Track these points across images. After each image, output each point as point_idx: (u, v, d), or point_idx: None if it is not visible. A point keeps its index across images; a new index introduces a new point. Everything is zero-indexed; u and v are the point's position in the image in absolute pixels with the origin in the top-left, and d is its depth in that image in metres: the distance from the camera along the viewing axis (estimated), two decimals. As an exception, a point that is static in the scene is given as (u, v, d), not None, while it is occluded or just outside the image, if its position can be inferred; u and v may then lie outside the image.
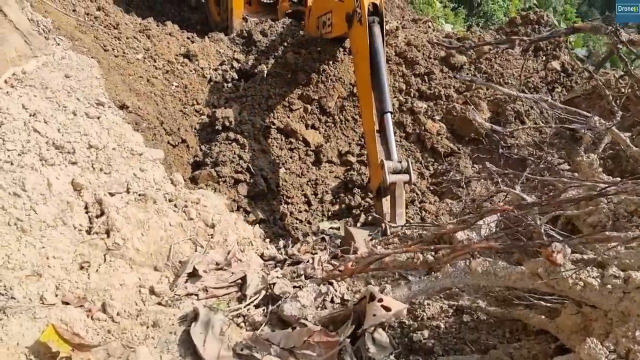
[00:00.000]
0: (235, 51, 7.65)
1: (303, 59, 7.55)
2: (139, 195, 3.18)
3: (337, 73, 7.62)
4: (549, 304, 2.57)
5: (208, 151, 6.64)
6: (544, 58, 8.11)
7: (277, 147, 7.16)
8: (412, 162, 5.02)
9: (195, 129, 6.83)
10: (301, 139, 7.34)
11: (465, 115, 7.41)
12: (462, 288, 2.94)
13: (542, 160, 5.96)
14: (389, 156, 5.14)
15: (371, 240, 4.13)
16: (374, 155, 5.32)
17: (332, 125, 7.60)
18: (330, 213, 6.97)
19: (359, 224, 6.31)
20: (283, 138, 7.26)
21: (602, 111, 7.02)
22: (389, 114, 5.33)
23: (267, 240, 3.79)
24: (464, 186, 6.86)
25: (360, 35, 5.63)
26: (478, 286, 2.85)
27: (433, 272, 2.57)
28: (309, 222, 6.89)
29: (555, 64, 7.85)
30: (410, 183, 5.01)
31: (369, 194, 6.75)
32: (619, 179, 2.67)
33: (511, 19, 8.75)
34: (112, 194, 3.06)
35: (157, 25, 7.95)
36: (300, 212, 6.93)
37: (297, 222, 6.84)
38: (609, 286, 2.07)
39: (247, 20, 8.48)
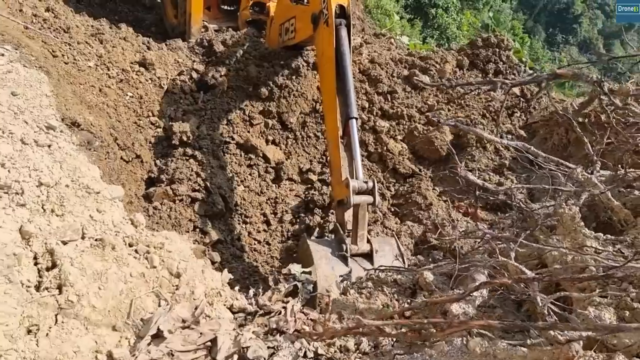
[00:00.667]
0: (194, 61, 7.30)
1: (265, 73, 7.30)
2: (96, 240, 2.87)
3: (300, 88, 7.42)
4: None
5: (164, 167, 6.30)
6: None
7: (236, 163, 6.89)
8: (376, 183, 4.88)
9: (150, 142, 6.46)
10: (261, 155, 7.09)
11: (427, 137, 7.38)
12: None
13: (505, 187, 6.01)
14: (354, 174, 4.97)
15: (342, 281, 3.97)
16: (337, 163, 5.12)
17: (294, 141, 7.40)
18: (289, 233, 6.78)
19: (315, 235, 6.14)
20: (242, 154, 7.00)
21: (560, 139, 7.17)
22: (354, 120, 5.12)
23: (237, 288, 3.54)
24: (425, 208, 6.84)
25: (326, 37, 5.45)
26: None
27: (426, 347, 2.43)
28: (268, 243, 6.68)
29: (515, 89, 7.94)
30: (374, 205, 4.86)
31: (330, 214, 6.61)
32: (620, 259, 2.62)
33: (472, 40, 8.81)
34: (65, 242, 2.73)
35: (111, 28, 7.50)
36: (259, 232, 6.71)
37: (256, 242, 6.62)
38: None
39: (207, 29, 8.14)
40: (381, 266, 3.99)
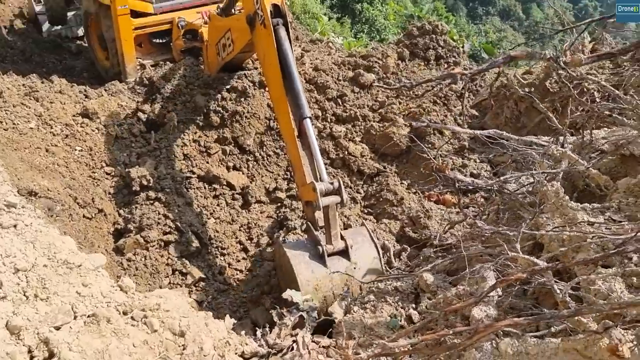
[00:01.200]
0: (138, 102, 7.08)
1: (213, 100, 7.17)
2: (89, 317, 2.70)
3: (250, 109, 7.32)
4: None
5: (129, 216, 6.07)
6: (445, 66, 8.37)
7: (201, 196, 6.73)
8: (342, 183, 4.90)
9: (110, 193, 6.23)
10: (225, 183, 6.94)
11: (384, 134, 7.43)
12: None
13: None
14: (318, 177, 4.95)
15: (342, 300, 3.91)
16: (298, 163, 5.10)
17: (255, 163, 7.30)
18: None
19: (290, 237, 6.01)
20: (206, 186, 6.84)
21: (512, 111, 7.37)
22: (308, 120, 5.10)
23: (243, 332, 3.42)
24: (397, 204, 6.87)
25: (265, 38, 5.38)
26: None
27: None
28: (250, 270, 6.54)
29: (458, 69, 8.09)
30: (343, 204, 4.86)
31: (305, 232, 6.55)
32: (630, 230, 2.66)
33: (408, 31, 8.93)
34: (58, 327, 2.56)
35: (43, 83, 7.17)
36: (239, 261, 6.55)
37: (238, 272, 6.47)
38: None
39: (143, 66, 7.92)
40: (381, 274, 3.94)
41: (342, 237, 4.80)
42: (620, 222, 2.98)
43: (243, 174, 7.20)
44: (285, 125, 5.39)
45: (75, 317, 2.68)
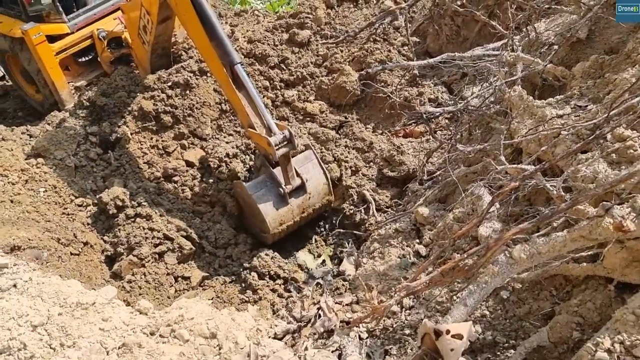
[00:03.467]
0: (85, 125, 6.86)
1: (159, 101, 7.00)
2: (120, 348, 2.72)
3: (199, 99, 7.20)
4: (585, 253, 2.64)
5: (115, 240, 5.98)
6: (375, 2, 8.32)
7: (172, 195, 6.64)
8: (294, 131, 5.39)
9: (88, 224, 6.10)
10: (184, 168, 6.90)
11: (336, 85, 7.41)
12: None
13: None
14: (270, 130, 5.38)
15: (350, 256, 4.00)
16: (239, 106, 5.51)
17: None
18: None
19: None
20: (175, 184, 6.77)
21: (450, 28, 7.42)
22: (239, 66, 5.47)
23: (269, 315, 3.48)
24: (369, 149, 6.93)
25: None
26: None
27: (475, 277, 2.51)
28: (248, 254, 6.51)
29: (388, 2, 8.07)
30: (295, 148, 5.38)
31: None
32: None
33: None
34: (95, 367, 2.58)
35: (-19, 135, 6.87)
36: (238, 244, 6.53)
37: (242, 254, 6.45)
38: (646, 216, 2.17)
39: (80, 89, 7.64)
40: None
41: (297, 175, 5.58)
42: (586, 106, 3.10)
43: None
44: (217, 72, 5.66)
45: (107, 353, 2.70)
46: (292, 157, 5.69)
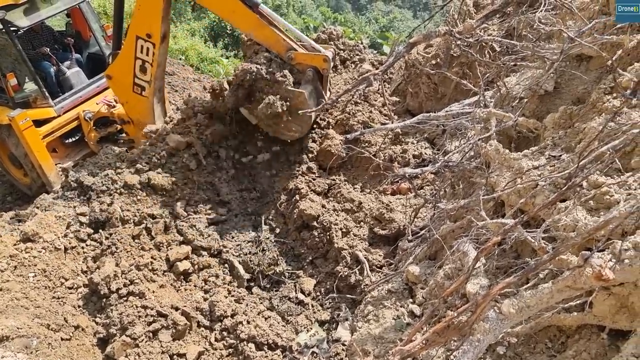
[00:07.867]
0: (74, 206, 6.88)
1: (149, 170, 7.08)
2: None
3: (192, 175, 7.30)
4: (574, 303, 2.65)
5: (107, 321, 5.88)
6: (353, 66, 8.62)
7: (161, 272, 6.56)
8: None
9: (79, 307, 6.00)
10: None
11: (322, 149, 7.55)
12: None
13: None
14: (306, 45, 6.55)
15: (345, 321, 3.94)
16: (274, 37, 6.29)
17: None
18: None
19: None
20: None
21: (428, 86, 7.67)
22: (262, 5, 6.31)
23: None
24: (357, 210, 6.96)
25: None
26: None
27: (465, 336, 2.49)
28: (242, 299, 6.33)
29: (366, 66, 8.37)
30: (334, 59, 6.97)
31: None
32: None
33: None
34: None
35: (-30, 224, 6.87)
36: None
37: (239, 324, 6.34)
38: (626, 261, 2.20)
39: (67, 170, 7.72)
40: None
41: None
42: (560, 156, 3.18)
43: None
44: (246, 17, 6.28)
45: None
46: None
